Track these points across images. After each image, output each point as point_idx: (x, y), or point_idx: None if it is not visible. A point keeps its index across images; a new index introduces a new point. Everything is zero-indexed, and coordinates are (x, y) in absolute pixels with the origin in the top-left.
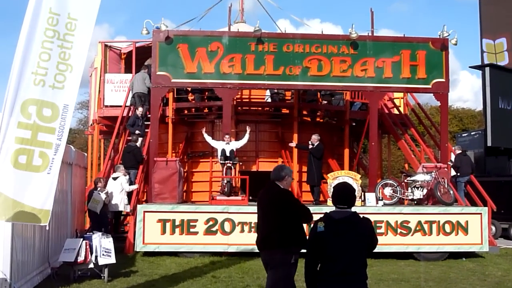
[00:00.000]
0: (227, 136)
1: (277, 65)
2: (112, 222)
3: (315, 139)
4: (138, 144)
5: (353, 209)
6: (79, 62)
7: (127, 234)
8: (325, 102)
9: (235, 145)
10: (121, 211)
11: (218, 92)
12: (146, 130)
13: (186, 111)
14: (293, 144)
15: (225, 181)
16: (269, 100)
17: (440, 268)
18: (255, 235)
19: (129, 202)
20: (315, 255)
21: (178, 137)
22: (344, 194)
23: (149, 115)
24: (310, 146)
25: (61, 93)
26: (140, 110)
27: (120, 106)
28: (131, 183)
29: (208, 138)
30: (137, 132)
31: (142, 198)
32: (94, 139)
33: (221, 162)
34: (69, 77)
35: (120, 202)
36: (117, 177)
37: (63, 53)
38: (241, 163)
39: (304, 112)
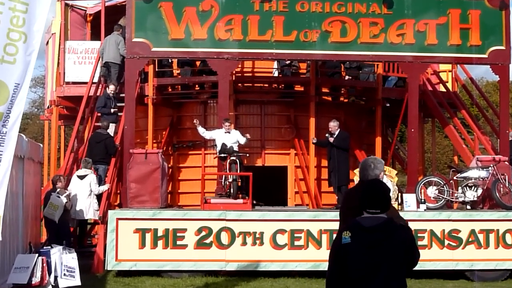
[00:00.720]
0: (227, 124)
1: (288, 29)
2: (75, 232)
3: (334, 127)
4: (110, 132)
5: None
6: (36, 29)
7: (96, 248)
8: (351, 77)
9: (237, 137)
10: (87, 219)
11: (212, 64)
12: (119, 113)
13: (170, 89)
14: (314, 141)
15: (230, 179)
16: (277, 74)
17: None
18: (260, 248)
19: (98, 207)
20: (338, 274)
21: (161, 123)
22: (375, 195)
23: (123, 94)
24: (331, 138)
25: (11, 69)
26: (111, 88)
27: (86, 83)
28: (100, 182)
29: (204, 132)
30: (110, 112)
31: (115, 201)
32: (52, 126)
33: (221, 156)
34: (23, 48)
35: (88, 208)
36: (85, 176)
37: (15, 17)
38: (247, 155)
39: (324, 90)
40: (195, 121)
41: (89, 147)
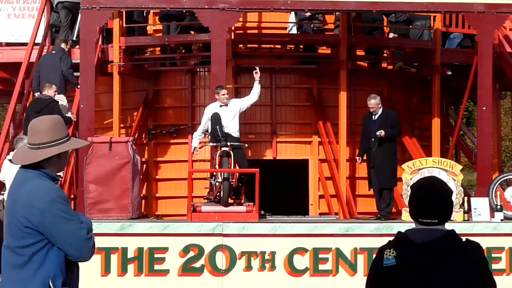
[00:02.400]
0: (223, 92)
1: None
2: None
3: (375, 105)
4: (62, 102)
5: (448, 225)
6: None
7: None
8: (397, 34)
9: (239, 105)
10: None
11: (202, 17)
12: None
13: (145, 53)
14: (381, 134)
15: (219, 179)
16: (295, 31)
17: None
18: (271, 275)
19: None
20: None
21: (131, 100)
22: (431, 199)
23: (77, 60)
24: (380, 133)
25: None
26: (61, 46)
27: (26, 45)
28: None
29: (197, 141)
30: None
31: None
32: None
33: (214, 143)
34: None
35: None
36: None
37: None
38: (246, 145)
39: (359, 53)
40: (194, 152)
41: (26, 120)
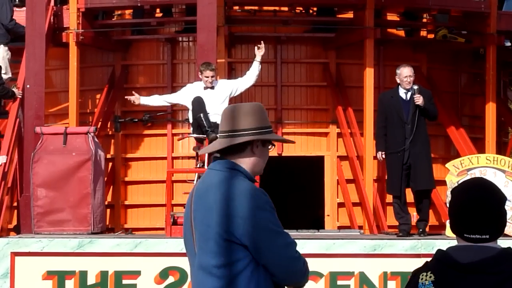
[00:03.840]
0: (206, 74)
1: None
2: None
3: (412, 74)
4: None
5: (502, 242)
6: None
7: None
8: None
9: (231, 87)
10: None
11: None
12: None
13: (112, 17)
14: (420, 101)
15: None
16: None
17: None
18: None
19: None
20: None
21: (93, 79)
22: (481, 208)
23: (20, 28)
24: (418, 98)
25: None
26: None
27: None
28: None
29: (153, 101)
30: None
31: (8, 222)
32: None
33: (197, 136)
34: None
35: None
36: None
37: None
38: None
39: (391, 18)
40: (132, 97)
41: None
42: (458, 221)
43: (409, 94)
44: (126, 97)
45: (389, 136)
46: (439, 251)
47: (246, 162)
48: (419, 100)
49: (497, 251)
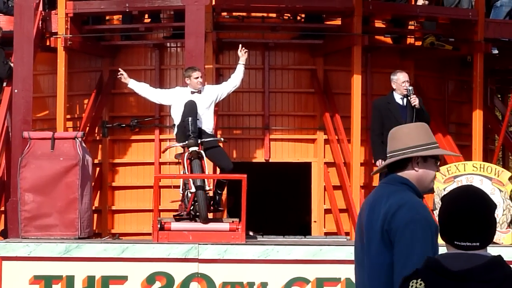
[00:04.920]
0: (195, 75)
1: None
2: None
3: (407, 83)
4: None
5: (492, 250)
6: None
7: None
8: (426, 1)
9: (216, 92)
10: None
11: None
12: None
13: (98, 23)
14: (416, 102)
15: (192, 189)
16: None
17: None
18: None
19: None
20: None
21: (81, 84)
22: (472, 215)
23: (9, 31)
24: (413, 99)
25: None
26: None
27: None
28: None
29: (140, 88)
30: None
31: None
32: None
33: (181, 142)
34: None
35: None
36: None
37: None
38: (223, 139)
39: (378, 25)
40: (119, 73)
41: None
42: (448, 228)
43: (405, 99)
44: (118, 73)
45: (386, 143)
46: (429, 259)
47: (411, 178)
48: (415, 100)
49: (487, 259)
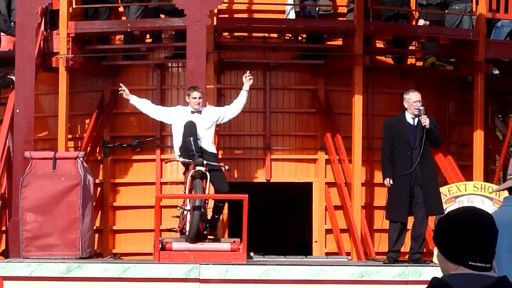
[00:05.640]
0: (194, 95)
1: None
2: None
3: (418, 102)
4: None
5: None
6: None
7: None
8: (428, 21)
9: (218, 114)
10: None
11: None
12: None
13: (101, 44)
14: (427, 123)
15: (187, 207)
16: (293, 15)
17: None
18: None
19: None
20: None
21: (82, 104)
22: (486, 237)
23: (10, 50)
24: (424, 119)
25: None
26: None
27: None
28: None
29: (142, 104)
30: None
31: None
32: None
33: (183, 160)
34: None
35: None
36: None
37: None
38: (227, 168)
39: (379, 45)
40: (121, 89)
41: None
42: (461, 249)
43: (416, 119)
44: (120, 89)
45: (396, 162)
46: (434, 279)
47: None
48: (426, 121)
49: (494, 279)
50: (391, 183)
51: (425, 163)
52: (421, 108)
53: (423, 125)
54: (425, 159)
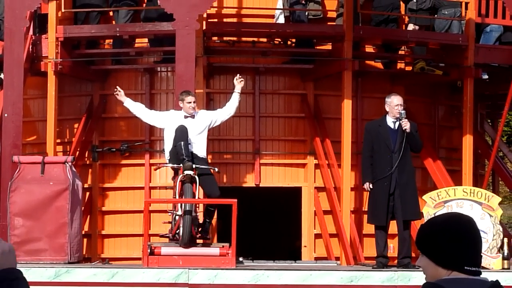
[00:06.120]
0: (188, 99)
1: None
2: None
3: (400, 107)
4: None
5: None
6: None
7: None
8: (417, 26)
9: (210, 118)
10: None
11: (164, 2)
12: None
13: (90, 48)
14: (407, 127)
15: (179, 212)
16: (283, 20)
17: None
18: None
19: None
20: None
21: (71, 108)
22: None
23: None
24: (405, 123)
25: None
26: None
27: None
28: None
29: (135, 108)
30: None
31: None
32: None
33: (173, 165)
34: None
35: None
36: None
37: None
38: (217, 170)
39: (369, 49)
40: (116, 90)
41: None
42: (459, 254)
43: (397, 123)
44: (115, 91)
45: (375, 165)
46: (428, 284)
47: None
48: (406, 124)
49: (489, 284)
50: (371, 187)
51: (404, 167)
52: (403, 112)
53: (403, 128)
54: (404, 163)
